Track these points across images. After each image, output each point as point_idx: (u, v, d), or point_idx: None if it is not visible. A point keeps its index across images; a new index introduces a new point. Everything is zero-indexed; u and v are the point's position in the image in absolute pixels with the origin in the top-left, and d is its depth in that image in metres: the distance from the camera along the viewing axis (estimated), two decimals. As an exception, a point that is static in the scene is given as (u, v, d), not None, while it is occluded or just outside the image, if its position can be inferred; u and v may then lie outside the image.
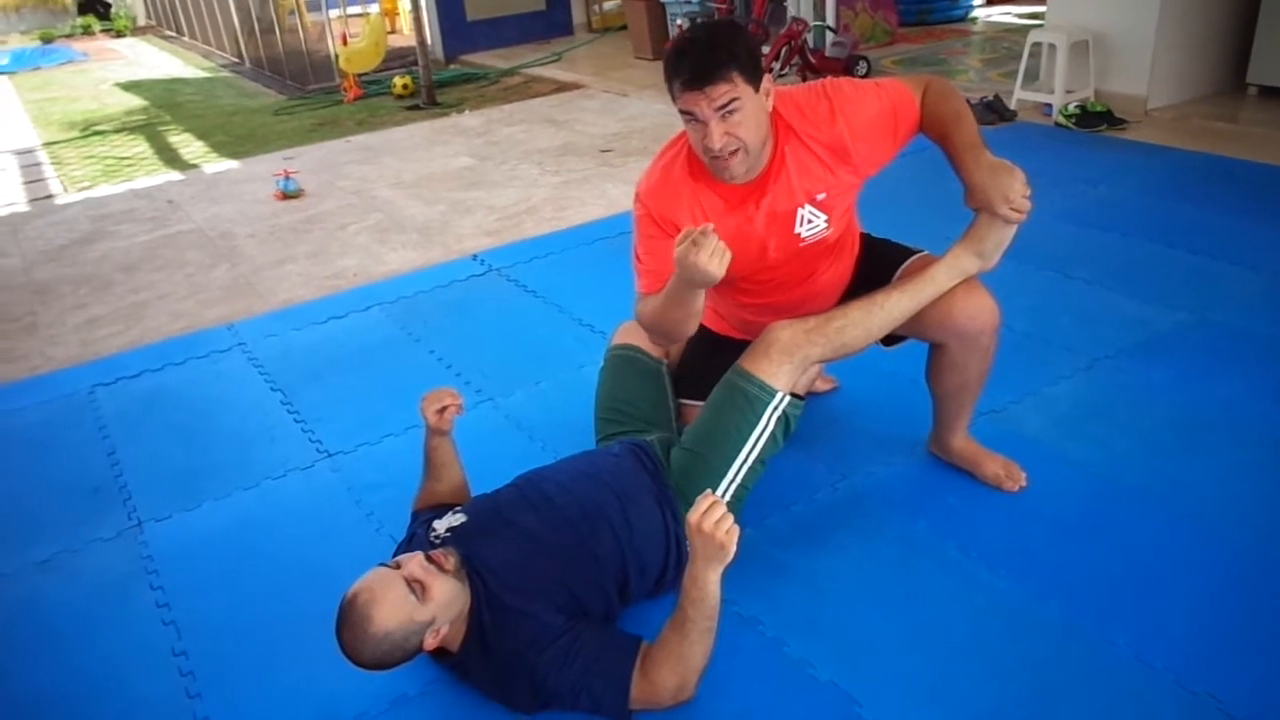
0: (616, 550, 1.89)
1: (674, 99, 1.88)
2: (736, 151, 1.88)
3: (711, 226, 1.80)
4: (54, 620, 2.22)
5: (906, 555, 2.13)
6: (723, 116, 1.83)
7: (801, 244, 2.09)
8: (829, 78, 2.09)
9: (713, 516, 1.63)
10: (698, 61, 1.80)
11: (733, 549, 1.63)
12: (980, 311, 2.07)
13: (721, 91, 1.80)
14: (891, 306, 2.02)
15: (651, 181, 2.06)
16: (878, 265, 2.25)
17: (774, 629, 1.95)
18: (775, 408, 1.96)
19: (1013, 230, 2.00)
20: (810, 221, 2.05)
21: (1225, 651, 1.80)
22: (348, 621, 1.67)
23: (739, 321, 2.33)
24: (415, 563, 1.72)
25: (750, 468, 1.98)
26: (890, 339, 2.17)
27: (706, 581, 1.67)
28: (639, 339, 2.33)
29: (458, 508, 1.98)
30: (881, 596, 2.01)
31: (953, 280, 2.04)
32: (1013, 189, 1.92)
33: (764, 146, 1.95)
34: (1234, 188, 4.13)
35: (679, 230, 1.98)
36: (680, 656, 1.72)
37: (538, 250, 4.15)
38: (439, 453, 2.13)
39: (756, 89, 1.86)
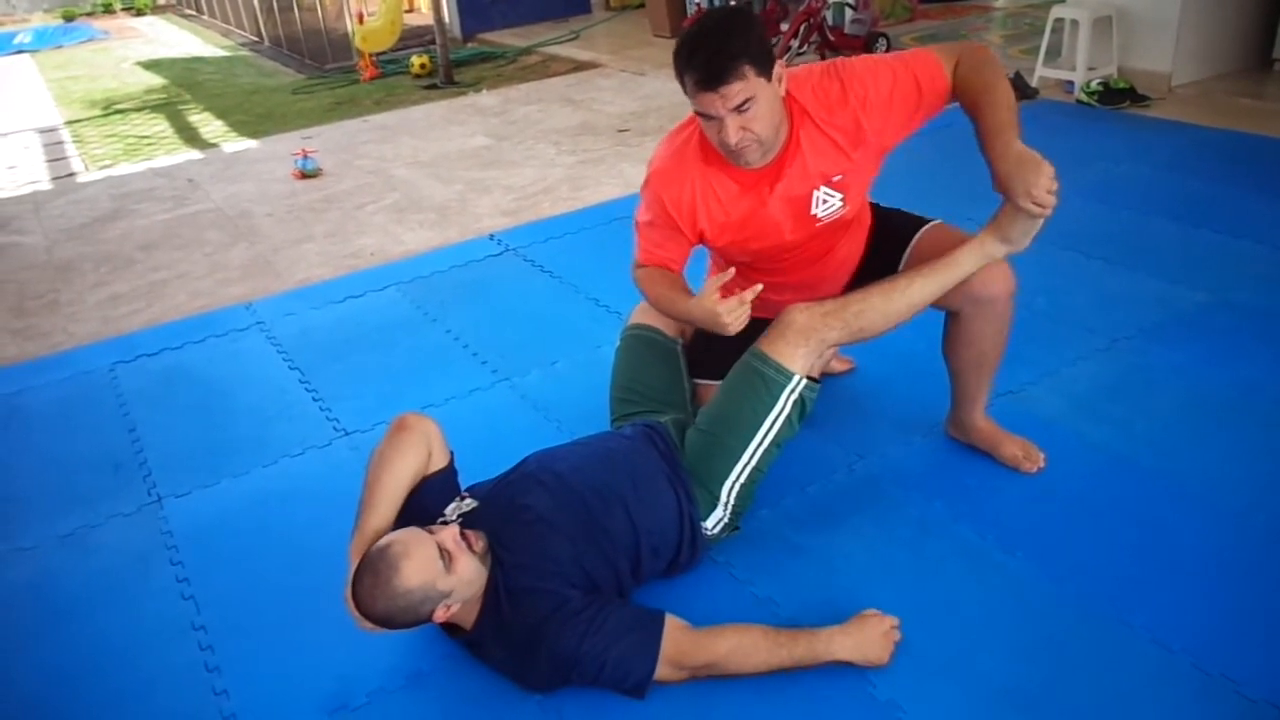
0: (629, 529, 1.90)
1: (687, 95, 1.87)
2: (754, 144, 1.89)
3: (751, 296, 1.92)
4: (76, 594, 2.25)
5: (922, 537, 2.13)
6: (738, 112, 1.82)
7: (818, 224, 2.08)
8: (840, 57, 2.06)
9: (888, 623, 1.83)
10: (710, 59, 1.79)
11: (888, 660, 1.80)
12: (995, 279, 2.05)
13: (736, 90, 1.79)
14: (913, 292, 1.98)
15: (663, 164, 2.06)
16: (890, 236, 2.24)
17: (789, 609, 1.95)
18: (792, 390, 1.94)
19: (1040, 221, 1.95)
20: (826, 202, 2.04)
21: (1242, 634, 1.79)
22: (373, 568, 1.69)
23: (755, 300, 2.32)
24: (449, 534, 1.74)
25: (765, 450, 1.97)
26: None
27: (830, 657, 1.78)
28: (655, 319, 2.33)
29: (466, 492, 1.98)
30: (897, 578, 2.01)
31: (977, 265, 2.01)
32: (1037, 184, 1.83)
33: (779, 132, 1.94)
34: (1258, 165, 4.08)
35: (690, 218, 2.03)
36: (745, 654, 1.76)
37: (554, 230, 4.15)
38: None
39: (770, 79, 1.85)
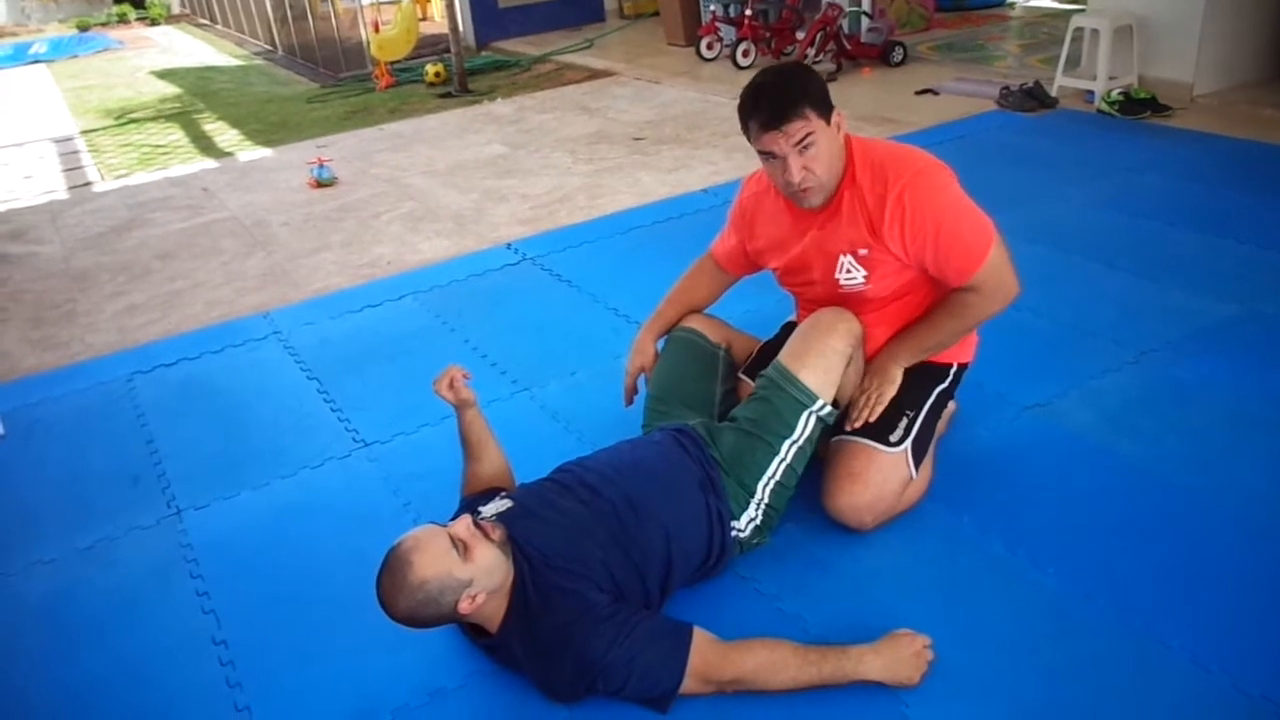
0: (663, 543, 1.89)
1: (751, 139, 2.00)
2: (814, 185, 1.99)
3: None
4: (96, 607, 2.24)
5: (951, 552, 2.09)
6: (799, 151, 1.94)
7: (840, 290, 2.15)
8: (938, 163, 2.06)
9: (920, 643, 1.79)
10: (773, 101, 1.93)
11: (919, 680, 1.76)
12: (850, 514, 2.11)
13: (797, 128, 1.92)
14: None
15: (761, 170, 2.18)
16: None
17: (816, 627, 1.92)
18: (817, 411, 2.04)
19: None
20: (849, 272, 2.12)
21: (1283, 655, 1.75)
22: (389, 566, 1.69)
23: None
24: (462, 524, 1.74)
25: (800, 449, 2.05)
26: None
27: (860, 676, 1.75)
28: (703, 325, 2.43)
29: (504, 494, 1.98)
30: (926, 594, 1.98)
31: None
32: (869, 386, 2.14)
33: (835, 179, 2.03)
34: (1283, 176, 4.04)
35: (751, 216, 2.27)
36: (773, 670, 1.74)
37: (572, 239, 4.13)
38: (472, 429, 2.16)
39: (829, 123, 1.97)
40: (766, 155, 1.99)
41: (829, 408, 2.05)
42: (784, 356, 2.09)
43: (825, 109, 1.95)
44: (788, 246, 2.20)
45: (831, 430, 2.14)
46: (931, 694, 1.75)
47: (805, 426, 2.04)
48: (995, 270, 2.02)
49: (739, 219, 2.31)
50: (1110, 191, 3.97)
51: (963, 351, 2.26)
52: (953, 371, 2.24)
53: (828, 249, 2.11)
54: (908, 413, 2.15)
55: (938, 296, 2.15)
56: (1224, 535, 2.05)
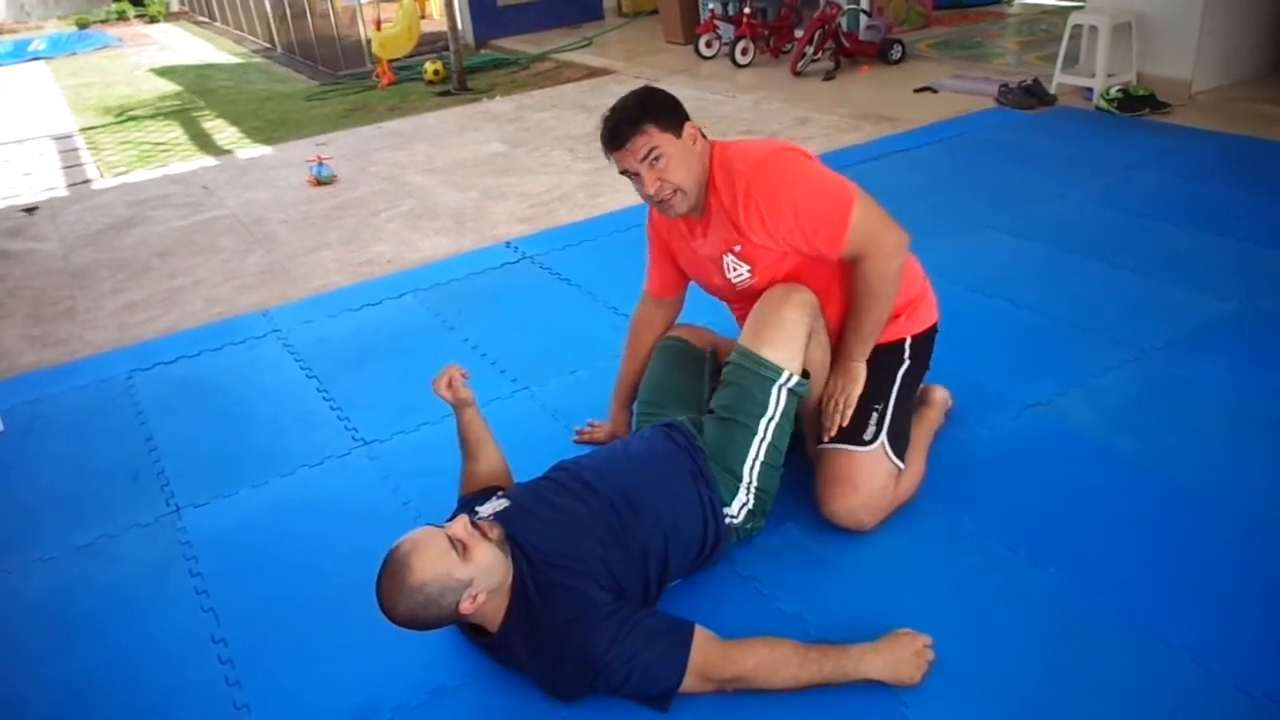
0: (659, 534, 1.90)
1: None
2: (675, 193, 2.05)
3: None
4: (94, 605, 2.23)
5: (951, 551, 2.09)
6: (650, 165, 2.01)
7: (736, 288, 2.19)
8: (781, 148, 2.10)
9: (920, 642, 1.79)
10: (614, 125, 2.02)
11: (920, 679, 1.76)
12: (846, 517, 2.12)
13: (640, 144, 2.00)
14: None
15: None
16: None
17: (816, 626, 1.92)
18: (784, 383, 2.04)
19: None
20: (735, 270, 2.16)
21: (1284, 653, 1.75)
22: (387, 570, 1.69)
23: None
24: (460, 524, 1.74)
25: (778, 424, 2.05)
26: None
27: (860, 675, 1.75)
28: (684, 331, 2.46)
29: (501, 492, 1.99)
30: (927, 593, 1.98)
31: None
32: (833, 390, 2.14)
33: (700, 185, 2.09)
34: (1283, 173, 4.03)
35: (666, 235, 2.32)
36: (774, 668, 1.74)
37: (571, 238, 4.13)
38: (470, 429, 2.16)
39: (677, 135, 2.03)
40: (624, 174, 2.06)
41: (797, 378, 2.04)
42: (743, 339, 2.10)
43: (671, 122, 2.01)
44: (689, 259, 2.27)
45: (812, 428, 2.15)
46: (932, 693, 1.75)
47: (778, 401, 2.04)
48: (865, 229, 2.01)
49: (658, 243, 2.36)
50: (1109, 189, 3.96)
51: (910, 323, 2.23)
52: (908, 348, 2.23)
53: (713, 254, 2.17)
54: (876, 407, 2.15)
55: (841, 269, 2.14)
56: (1225, 533, 2.05)
